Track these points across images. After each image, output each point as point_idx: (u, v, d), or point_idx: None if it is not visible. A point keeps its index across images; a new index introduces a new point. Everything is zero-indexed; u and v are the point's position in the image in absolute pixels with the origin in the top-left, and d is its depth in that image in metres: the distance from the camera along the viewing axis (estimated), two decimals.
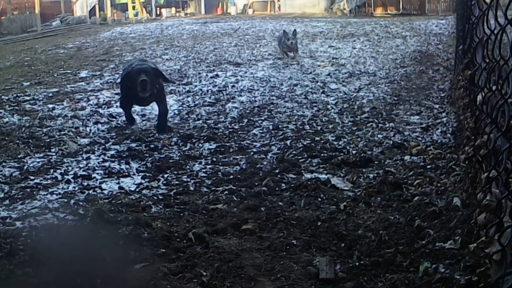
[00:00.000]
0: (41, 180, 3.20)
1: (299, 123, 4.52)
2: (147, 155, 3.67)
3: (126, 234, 2.37)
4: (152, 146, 3.88)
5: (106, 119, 4.77)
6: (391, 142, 3.86)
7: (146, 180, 3.17)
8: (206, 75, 7.05)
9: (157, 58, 8.95)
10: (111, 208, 2.72)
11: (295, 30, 8.34)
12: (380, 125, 4.39)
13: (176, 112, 5.00)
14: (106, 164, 3.50)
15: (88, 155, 3.71)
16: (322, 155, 3.59)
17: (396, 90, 5.81)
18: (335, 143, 3.90)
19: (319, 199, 2.79)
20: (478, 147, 2.24)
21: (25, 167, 3.42)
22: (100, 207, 2.72)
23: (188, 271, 2.05)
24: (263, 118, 4.70)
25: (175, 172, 3.30)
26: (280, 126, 4.40)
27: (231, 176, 3.19)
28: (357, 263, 2.10)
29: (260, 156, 3.61)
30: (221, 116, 4.80)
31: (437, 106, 4.96)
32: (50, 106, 5.37)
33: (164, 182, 3.15)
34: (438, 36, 10.70)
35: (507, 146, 1.58)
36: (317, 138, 4.02)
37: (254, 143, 3.93)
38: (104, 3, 21.11)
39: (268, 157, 3.59)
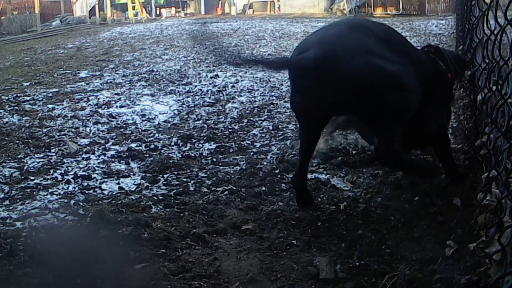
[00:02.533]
0: (41, 181, 3.20)
1: None
2: (147, 155, 3.68)
3: (126, 235, 2.37)
4: (152, 146, 3.88)
5: (106, 119, 4.77)
6: None
7: (146, 180, 3.17)
8: (206, 75, 7.05)
9: (157, 58, 8.96)
10: (111, 208, 2.72)
11: None
12: None
13: (176, 112, 5.01)
14: (106, 164, 3.50)
15: (88, 155, 3.72)
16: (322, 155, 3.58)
17: None
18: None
19: (319, 199, 2.79)
20: (478, 147, 2.24)
21: (25, 168, 3.42)
22: (100, 208, 2.72)
23: (188, 271, 2.05)
24: (263, 119, 4.69)
25: (175, 172, 3.30)
26: (280, 126, 4.39)
27: (231, 176, 3.19)
28: (357, 263, 2.10)
29: (260, 156, 3.61)
30: (221, 116, 4.79)
31: None
32: (50, 106, 5.37)
33: (164, 182, 3.15)
34: (438, 36, 10.69)
35: (507, 146, 1.58)
36: None
37: (254, 144, 3.93)
38: (104, 3, 21.15)
39: (268, 157, 3.58)
